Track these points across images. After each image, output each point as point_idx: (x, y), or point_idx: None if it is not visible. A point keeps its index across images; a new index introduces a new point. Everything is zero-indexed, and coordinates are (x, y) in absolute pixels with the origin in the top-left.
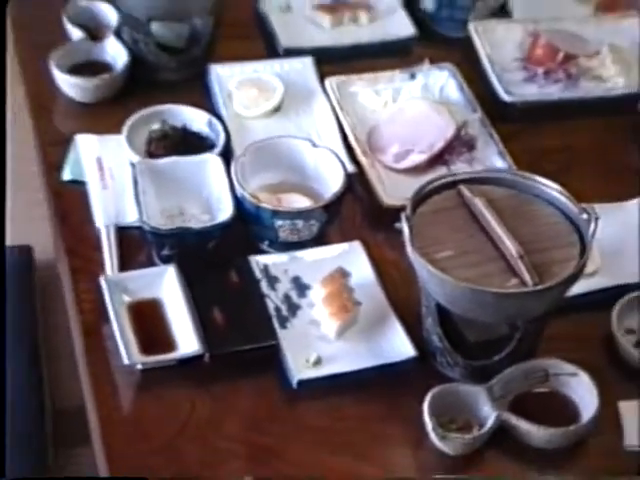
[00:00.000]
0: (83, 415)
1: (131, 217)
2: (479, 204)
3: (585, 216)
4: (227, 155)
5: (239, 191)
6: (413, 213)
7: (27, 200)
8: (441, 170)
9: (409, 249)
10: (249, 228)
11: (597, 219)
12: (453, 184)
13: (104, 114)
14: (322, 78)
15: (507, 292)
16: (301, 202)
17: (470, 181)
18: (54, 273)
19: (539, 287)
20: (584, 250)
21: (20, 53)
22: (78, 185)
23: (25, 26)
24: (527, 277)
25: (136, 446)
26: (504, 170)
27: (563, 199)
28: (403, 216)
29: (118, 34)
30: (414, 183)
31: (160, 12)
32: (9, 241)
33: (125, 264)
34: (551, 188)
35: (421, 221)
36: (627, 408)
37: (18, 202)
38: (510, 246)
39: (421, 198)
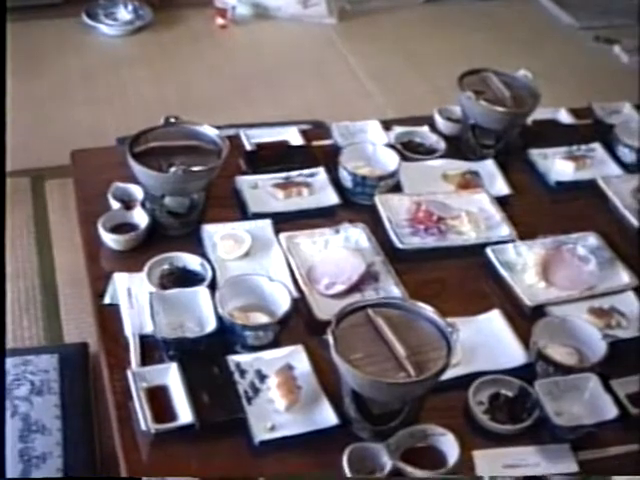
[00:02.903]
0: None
1: (149, 328)
2: (379, 321)
3: (450, 329)
4: (213, 285)
5: (220, 311)
6: (336, 327)
7: (84, 310)
8: (356, 295)
9: (333, 352)
10: (227, 336)
11: (457, 331)
12: (363, 308)
13: (132, 258)
14: (277, 233)
15: (397, 382)
16: (261, 318)
17: (374, 305)
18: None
19: (419, 378)
20: (449, 351)
21: (82, 218)
22: (114, 307)
23: (84, 200)
24: (411, 371)
25: None
26: (397, 298)
27: (435, 317)
28: (329, 330)
29: (143, 205)
30: (338, 304)
31: (170, 191)
32: (72, 339)
33: (145, 360)
34: (428, 310)
35: (341, 334)
36: (478, 455)
37: (79, 311)
38: (400, 350)
39: (341, 317)
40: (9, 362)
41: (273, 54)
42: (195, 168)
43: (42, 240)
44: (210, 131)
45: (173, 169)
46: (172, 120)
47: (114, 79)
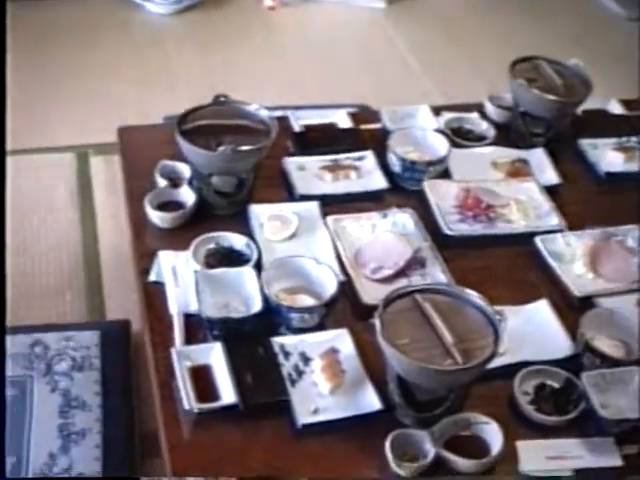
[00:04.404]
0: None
1: (194, 307)
2: (427, 307)
3: (498, 317)
4: (259, 266)
5: (266, 292)
6: (383, 312)
7: (127, 287)
8: (402, 281)
9: (379, 337)
10: (272, 317)
11: (505, 319)
12: (411, 293)
13: (178, 237)
14: (324, 215)
15: (444, 369)
16: (307, 301)
17: (422, 291)
18: (144, 340)
19: (466, 366)
20: (497, 339)
21: (128, 195)
22: (159, 285)
23: (131, 177)
24: (458, 359)
25: (192, 463)
26: (445, 284)
27: (483, 304)
28: (376, 314)
29: (190, 183)
30: (384, 289)
31: (218, 170)
32: (114, 315)
33: (189, 339)
34: (476, 297)
35: (388, 318)
36: (522, 446)
37: (122, 289)
38: (447, 336)
39: (389, 302)
40: (51, 337)
41: (321, 37)
42: (244, 148)
43: (86, 215)
44: (259, 111)
45: (222, 148)
46: (221, 99)
47: (161, 57)
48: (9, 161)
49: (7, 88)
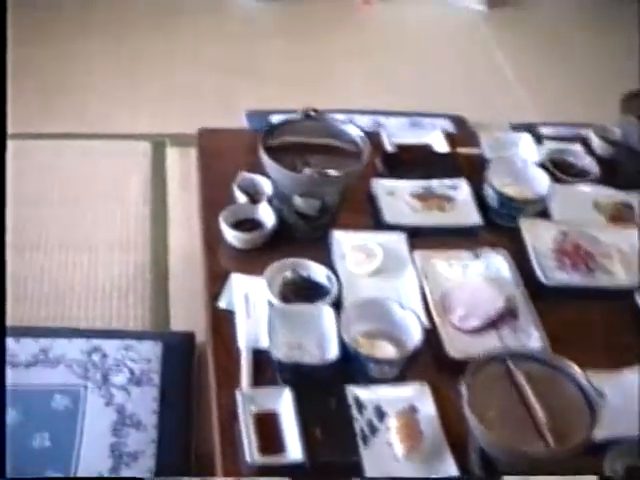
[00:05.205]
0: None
1: (264, 343)
2: (519, 377)
3: (597, 397)
4: (338, 300)
5: (344, 336)
6: (471, 377)
7: (194, 295)
8: (492, 333)
9: (465, 405)
10: (348, 364)
11: (605, 398)
12: (502, 358)
13: (253, 258)
14: (411, 248)
15: (534, 452)
16: (388, 349)
17: (514, 356)
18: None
19: (558, 450)
20: (593, 422)
21: (203, 206)
22: (229, 312)
23: (208, 185)
24: (550, 441)
25: None
26: (540, 350)
27: (582, 379)
28: (463, 380)
29: (270, 201)
30: (472, 342)
31: (302, 191)
32: (178, 322)
33: (256, 378)
34: (574, 369)
35: (475, 384)
36: None
37: (189, 296)
38: (540, 414)
39: (477, 367)
40: (110, 345)
41: (415, 38)
42: (332, 172)
43: (158, 211)
44: (351, 129)
45: (308, 170)
46: (311, 113)
47: (248, 48)
48: (81, 145)
49: (89, 74)
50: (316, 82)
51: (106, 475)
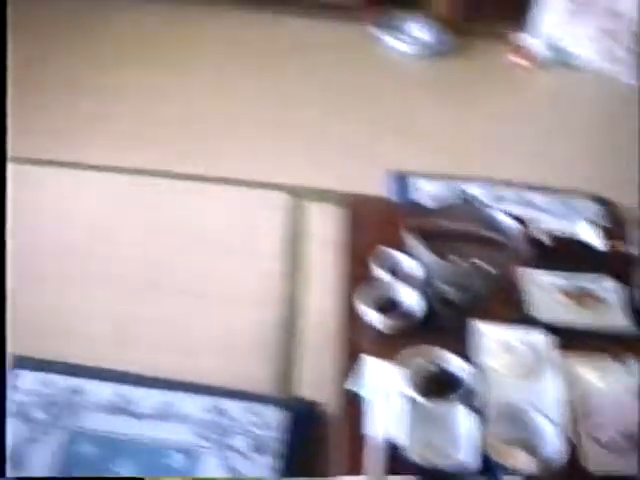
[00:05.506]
0: None
1: (394, 433)
2: None
3: None
4: (474, 398)
5: (481, 446)
6: None
7: (324, 363)
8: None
9: None
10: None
11: None
12: None
13: (390, 341)
14: (555, 347)
15: None
16: (524, 459)
17: None
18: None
19: None
20: None
21: (345, 279)
22: (357, 394)
23: (351, 258)
24: None
25: None
26: None
27: None
28: None
29: (415, 284)
30: (613, 460)
31: (452, 280)
32: (303, 391)
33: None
34: None
35: None
36: None
37: (319, 363)
38: None
39: None
40: (236, 406)
41: (568, 107)
42: (483, 263)
43: (294, 269)
44: (506, 220)
45: (460, 260)
46: (466, 198)
47: (395, 101)
48: (214, 189)
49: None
50: (459, 147)
51: None
